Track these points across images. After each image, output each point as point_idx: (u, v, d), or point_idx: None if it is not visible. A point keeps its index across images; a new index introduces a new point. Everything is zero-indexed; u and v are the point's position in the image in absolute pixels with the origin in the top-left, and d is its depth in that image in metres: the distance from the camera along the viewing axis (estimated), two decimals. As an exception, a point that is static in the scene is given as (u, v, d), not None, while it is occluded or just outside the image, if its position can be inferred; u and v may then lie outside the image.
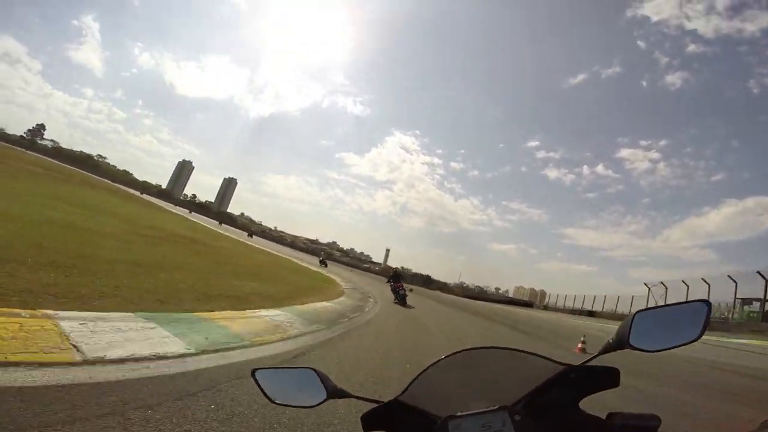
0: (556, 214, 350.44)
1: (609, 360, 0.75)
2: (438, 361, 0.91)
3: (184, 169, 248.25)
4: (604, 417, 0.71)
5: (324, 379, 0.85)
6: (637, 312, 0.74)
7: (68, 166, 63.37)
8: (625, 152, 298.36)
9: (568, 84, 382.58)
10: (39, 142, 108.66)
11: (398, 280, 16.60)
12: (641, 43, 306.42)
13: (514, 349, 0.89)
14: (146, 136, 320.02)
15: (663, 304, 0.82)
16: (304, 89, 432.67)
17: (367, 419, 0.84)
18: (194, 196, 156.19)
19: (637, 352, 0.73)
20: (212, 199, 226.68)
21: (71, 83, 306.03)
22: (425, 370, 0.89)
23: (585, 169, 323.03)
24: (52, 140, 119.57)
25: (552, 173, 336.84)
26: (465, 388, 0.94)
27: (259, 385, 0.86)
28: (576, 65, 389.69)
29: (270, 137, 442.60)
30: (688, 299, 0.79)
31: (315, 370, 0.86)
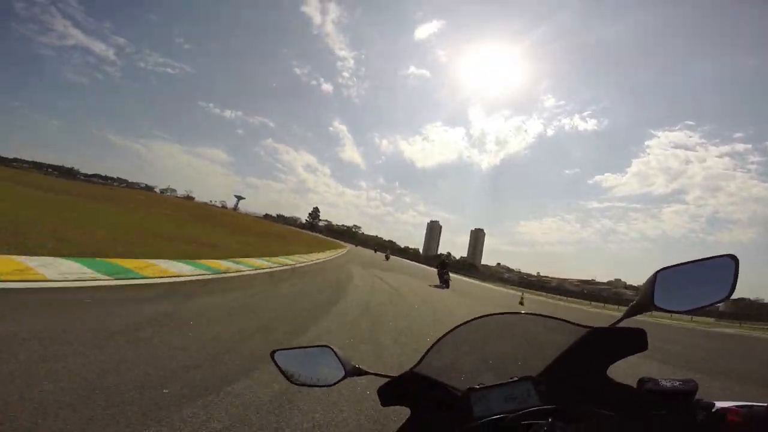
0: None
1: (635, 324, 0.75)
2: (453, 329, 0.92)
3: (433, 230, 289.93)
4: (634, 385, 0.69)
5: (341, 357, 0.89)
6: (660, 270, 0.73)
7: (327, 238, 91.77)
8: None
9: None
10: (318, 223, 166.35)
11: (445, 267, 20.42)
12: None
13: (533, 314, 0.90)
14: (409, 211, 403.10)
15: (687, 260, 0.74)
16: (521, 126, 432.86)
17: (384, 392, 0.88)
18: (449, 253, 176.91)
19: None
20: (465, 254, 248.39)
21: (351, 179, 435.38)
22: (440, 339, 0.92)
23: None
24: (326, 220, 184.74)
25: None
26: (484, 358, 0.97)
27: (278, 366, 0.92)
28: None
29: (509, 184, 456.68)
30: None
31: (332, 348, 0.90)
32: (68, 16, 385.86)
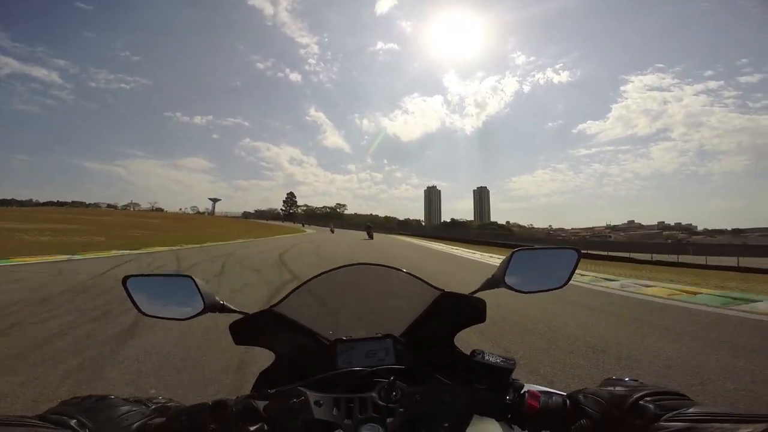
0: None
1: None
2: (321, 274, 0.96)
3: (432, 196, 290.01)
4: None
5: (202, 290, 0.85)
6: (516, 250, 0.87)
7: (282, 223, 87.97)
8: None
9: None
10: (296, 210, 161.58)
11: (369, 228, 39.60)
12: None
13: (399, 269, 1.01)
14: (402, 186, 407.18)
15: (542, 246, 0.92)
16: (497, 86, 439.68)
17: (237, 329, 0.87)
18: (453, 219, 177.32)
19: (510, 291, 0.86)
20: (472, 217, 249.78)
21: (338, 164, 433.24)
22: (306, 282, 0.95)
23: None
24: (305, 205, 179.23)
25: None
26: (353, 308, 1.05)
27: (129, 294, 0.86)
28: None
29: (496, 143, 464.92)
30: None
31: (193, 279, 0.85)
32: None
